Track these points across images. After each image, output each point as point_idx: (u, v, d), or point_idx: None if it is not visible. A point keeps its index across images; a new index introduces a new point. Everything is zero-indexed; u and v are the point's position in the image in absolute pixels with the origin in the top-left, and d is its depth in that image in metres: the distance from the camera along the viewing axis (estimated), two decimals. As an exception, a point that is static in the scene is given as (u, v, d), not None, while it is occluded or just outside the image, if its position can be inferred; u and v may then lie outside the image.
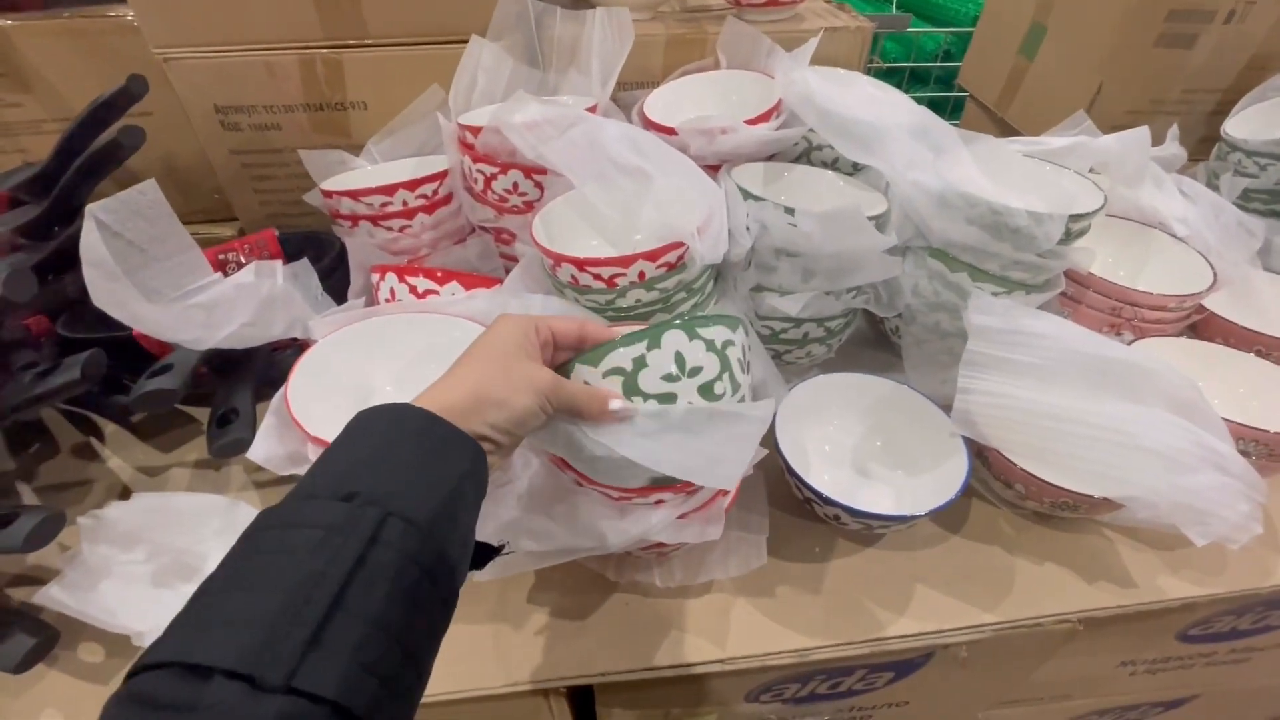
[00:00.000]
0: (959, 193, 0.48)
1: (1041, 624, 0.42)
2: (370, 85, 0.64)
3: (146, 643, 0.37)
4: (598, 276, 0.43)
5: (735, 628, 0.41)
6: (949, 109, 1.26)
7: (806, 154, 0.59)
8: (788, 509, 0.47)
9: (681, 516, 0.36)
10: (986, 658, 0.44)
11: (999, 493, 0.48)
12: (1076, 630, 0.43)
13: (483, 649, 0.40)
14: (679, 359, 0.30)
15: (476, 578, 0.37)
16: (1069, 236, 0.47)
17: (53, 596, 0.37)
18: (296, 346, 0.54)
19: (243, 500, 0.45)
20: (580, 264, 0.43)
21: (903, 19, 1.24)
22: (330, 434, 0.33)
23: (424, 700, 0.37)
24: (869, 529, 0.43)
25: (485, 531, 0.34)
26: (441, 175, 0.59)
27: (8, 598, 0.41)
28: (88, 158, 0.51)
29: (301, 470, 0.36)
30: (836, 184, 0.56)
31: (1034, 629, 0.42)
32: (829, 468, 0.49)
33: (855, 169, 0.57)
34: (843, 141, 0.52)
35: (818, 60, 0.60)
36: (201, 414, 0.55)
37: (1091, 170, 0.58)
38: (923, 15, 1.34)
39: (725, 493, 0.39)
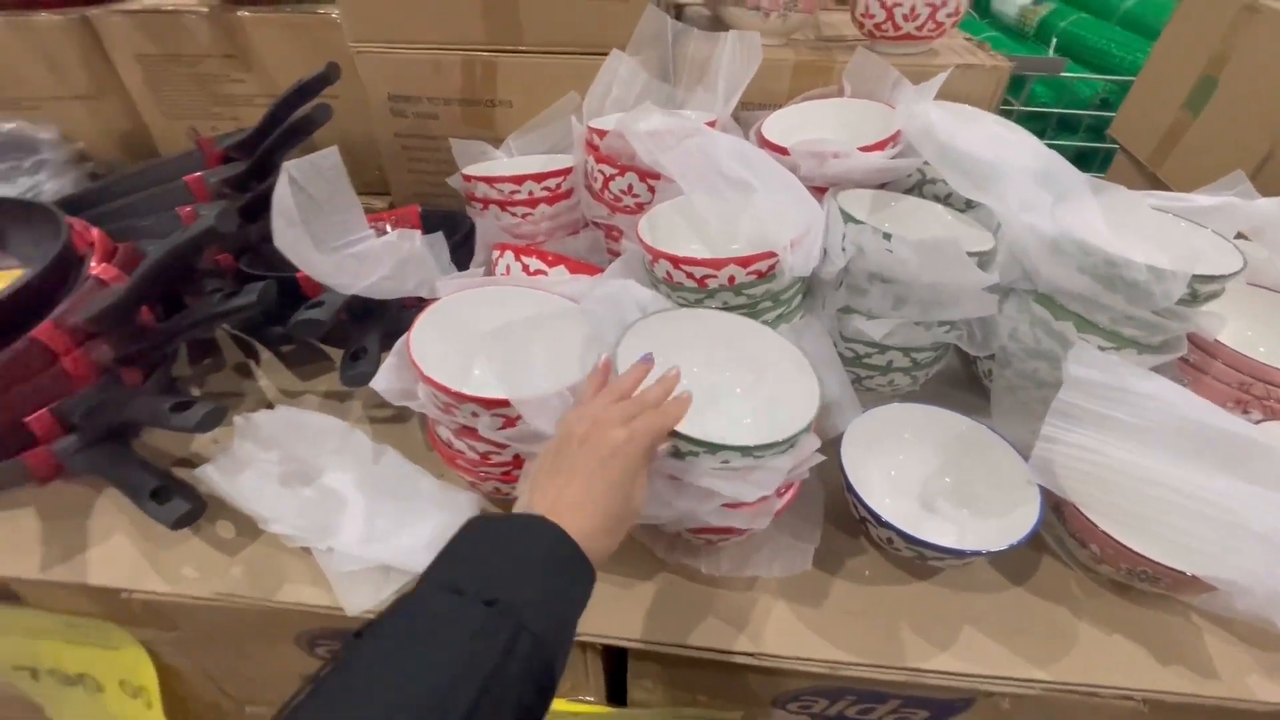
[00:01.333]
0: (1074, 239, 0.46)
1: (1099, 694, 0.40)
2: (518, 86, 0.71)
3: (270, 528, 0.45)
4: (690, 275, 0.46)
5: (772, 627, 0.42)
6: (1098, 161, 1.18)
7: (919, 186, 0.59)
8: (843, 527, 0.48)
9: (734, 506, 0.38)
10: (1032, 717, 0.42)
11: (1072, 551, 0.46)
12: (1140, 711, 0.40)
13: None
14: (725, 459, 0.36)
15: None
16: (1195, 299, 0.45)
17: (208, 474, 0.45)
18: (419, 306, 0.62)
19: (358, 429, 0.52)
20: (676, 261, 0.46)
21: (1057, 62, 1.18)
22: (438, 376, 0.39)
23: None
24: (922, 558, 0.42)
25: None
26: (565, 172, 0.64)
27: (171, 471, 0.51)
28: (287, 127, 0.61)
29: (411, 403, 0.42)
30: (944, 218, 0.56)
31: (1089, 697, 0.40)
32: (891, 494, 0.48)
33: (968, 206, 0.57)
34: (958, 177, 0.52)
35: (947, 97, 0.60)
36: (335, 354, 0.64)
37: (1240, 235, 0.54)
38: (1082, 60, 1.27)
39: (780, 493, 0.40)
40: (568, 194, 0.65)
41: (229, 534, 0.47)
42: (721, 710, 0.47)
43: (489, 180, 0.63)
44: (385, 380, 0.42)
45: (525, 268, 0.54)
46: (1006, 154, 0.53)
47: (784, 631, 0.42)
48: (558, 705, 0.49)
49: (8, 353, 0.45)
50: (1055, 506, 0.45)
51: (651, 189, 0.59)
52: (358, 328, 0.54)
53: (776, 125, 0.63)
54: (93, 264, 0.52)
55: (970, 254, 0.46)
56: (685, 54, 0.67)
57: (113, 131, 0.82)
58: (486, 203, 0.64)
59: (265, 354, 0.65)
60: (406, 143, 0.77)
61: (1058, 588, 0.45)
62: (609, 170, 0.60)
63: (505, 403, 0.39)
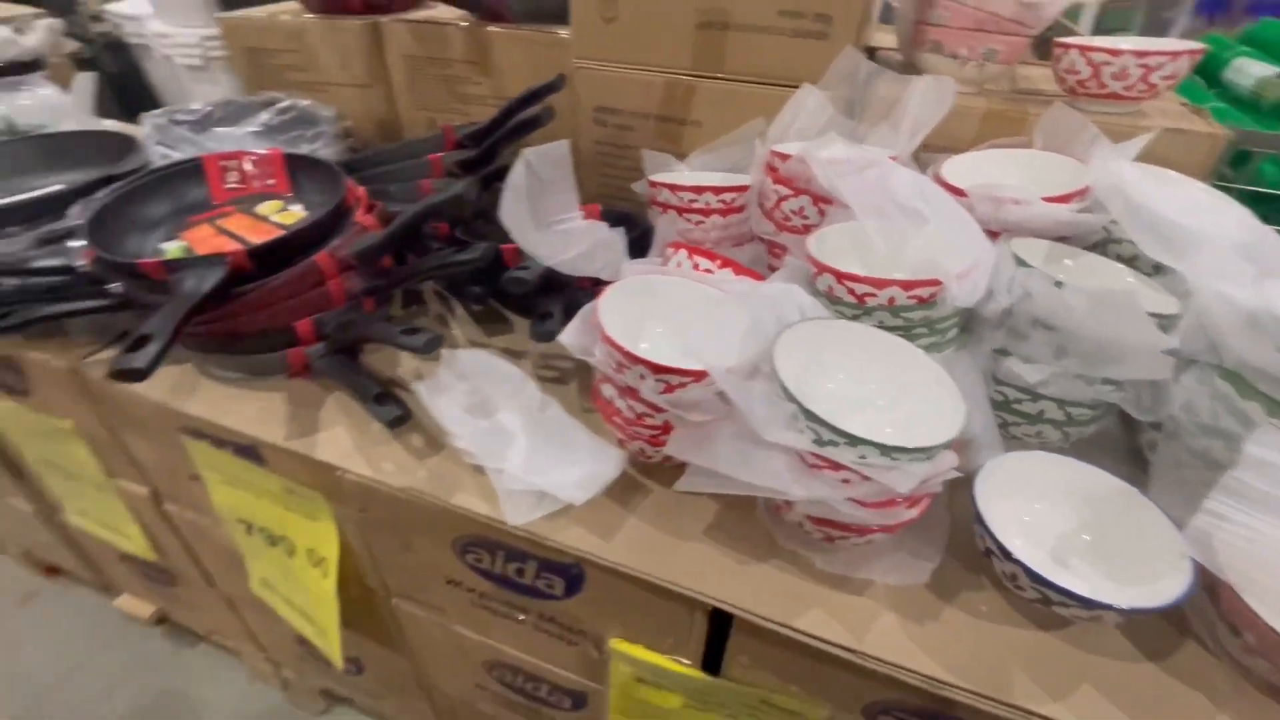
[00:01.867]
0: (1277, 315, 0.44)
1: (1230, 790, 0.37)
2: (710, 109, 0.78)
3: (455, 444, 0.54)
4: (851, 291, 0.49)
5: (876, 632, 0.44)
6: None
7: (1102, 245, 0.58)
8: (964, 562, 0.48)
9: (863, 503, 0.41)
10: (1145, 796, 0.40)
11: (1222, 639, 0.43)
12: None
13: (662, 546, 0.49)
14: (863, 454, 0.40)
15: (676, 486, 0.46)
16: None
17: (420, 389, 0.55)
18: (593, 287, 0.70)
19: (530, 382, 0.60)
20: (840, 276, 0.49)
21: (1293, 141, 1.06)
22: (617, 337, 0.45)
23: (603, 561, 0.48)
24: (1047, 602, 0.42)
25: (712, 456, 0.43)
26: (742, 189, 0.70)
27: (390, 383, 0.62)
28: (514, 125, 0.73)
29: (589, 359, 0.49)
30: (1125, 278, 0.54)
31: (1218, 791, 0.37)
32: (1023, 539, 0.48)
33: (1155, 271, 0.55)
34: (1148, 240, 0.51)
35: (1151, 161, 0.59)
36: (514, 320, 0.74)
37: None
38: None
39: (911, 504, 0.42)
40: (740, 209, 0.71)
41: (420, 444, 0.57)
42: (810, 705, 0.49)
43: (673, 187, 0.70)
44: (571, 336, 0.50)
45: (696, 265, 0.61)
46: (1207, 221, 0.51)
47: (889, 639, 0.44)
48: (654, 659, 0.53)
49: (296, 269, 0.58)
50: (1209, 587, 0.42)
51: (822, 212, 0.63)
52: (544, 296, 0.63)
53: (956, 168, 0.64)
54: (358, 214, 0.66)
55: (1150, 314, 0.45)
56: (874, 93, 0.70)
57: (373, 115, 1.00)
58: (667, 207, 0.72)
59: (459, 309, 0.77)
60: (602, 149, 0.86)
61: (1199, 675, 0.42)
62: (784, 191, 0.65)
63: (669, 369, 0.44)
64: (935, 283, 0.46)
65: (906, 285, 0.47)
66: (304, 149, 0.94)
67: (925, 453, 0.39)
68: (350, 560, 0.66)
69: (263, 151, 0.73)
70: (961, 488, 0.46)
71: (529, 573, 0.54)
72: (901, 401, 0.47)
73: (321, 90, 1.00)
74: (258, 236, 0.66)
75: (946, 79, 0.61)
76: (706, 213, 0.70)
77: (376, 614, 0.73)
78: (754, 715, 0.53)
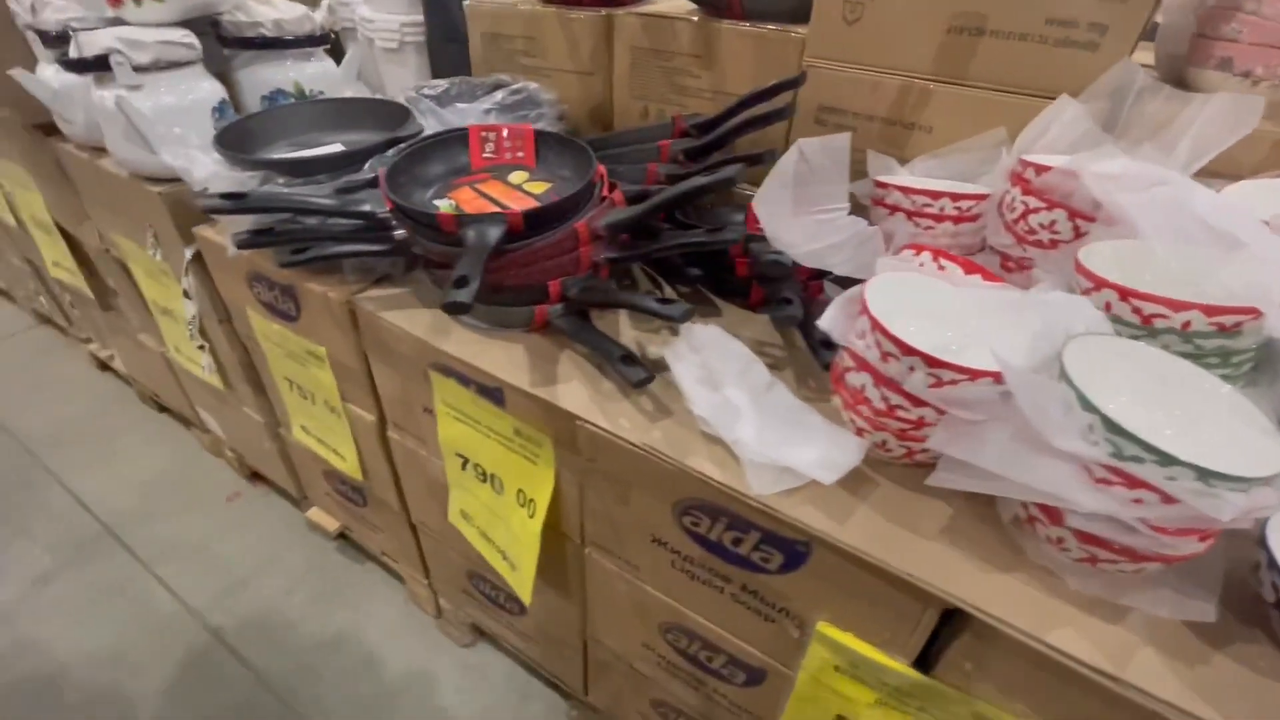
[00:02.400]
0: None
1: None
2: (944, 115, 0.77)
3: (695, 409, 0.57)
4: (1136, 310, 0.47)
5: (1138, 664, 0.42)
6: None
7: None
8: (1237, 613, 0.45)
9: (1153, 525, 0.39)
10: None
11: None
12: None
13: (898, 539, 0.49)
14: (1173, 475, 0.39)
15: (929, 481, 0.47)
16: None
17: (667, 356, 0.59)
18: (810, 278, 0.72)
19: (758, 362, 0.62)
20: (1124, 293, 0.48)
21: None
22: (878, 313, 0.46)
23: (838, 543, 0.48)
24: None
25: (982, 455, 0.43)
26: (980, 197, 0.69)
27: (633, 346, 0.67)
28: (745, 119, 0.75)
29: (847, 344, 0.50)
30: None
31: None
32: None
33: None
34: None
35: None
36: (722, 305, 0.76)
37: None
38: None
39: (1203, 537, 0.40)
40: (974, 218, 0.70)
41: (651, 406, 0.61)
42: (1034, 725, 0.48)
43: (906, 190, 0.70)
44: (830, 321, 0.52)
45: (940, 267, 0.60)
46: None
47: (1154, 674, 0.42)
48: (865, 649, 0.54)
49: (557, 233, 0.64)
50: None
51: (1077, 228, 0.60)
52: (776, 283, 0.65)
53: (1234, 196, 0.60)
54: (604, 190, 0.71)
55: None
56: (1143, 109, 0.66)
57: (589, 101, 1.07)
58: (894, 209, 0.71)
59: (667, 290, 0.81)
60: (815, 148, 0.87)
61: None
62: (1034, 204, 0.63)
63: (948, 365, 0.45)
64: (1251, 311, 0.44)
65: (1210, 310, 0.45)
66: (528, 127, 1.03)
67: (1245, 484, 0.37)
68: (555, 506, 0.72)
69: (519, 127, 0.80)
70: (1235, 535, 0.43)
71: (747, 543, 0.57)
72: (1192, 431, 0.44)
73: (546, 75, 1.09)
74: (510, 201, 0.73)
75: (1255, 98, 0.57)
76: (939, 218, 0.69)
77: (562, 560, 0.79)
78: (954, 725, 0.53)
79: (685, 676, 0.77)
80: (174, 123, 0.89)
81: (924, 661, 0.52)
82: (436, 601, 1.18)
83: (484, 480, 0.78)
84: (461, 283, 0.52)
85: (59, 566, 1.31)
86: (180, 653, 1.17)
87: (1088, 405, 0.40)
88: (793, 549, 0.54)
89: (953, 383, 0.46)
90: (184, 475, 1.50)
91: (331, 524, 1.28)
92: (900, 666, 0.52)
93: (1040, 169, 0.63)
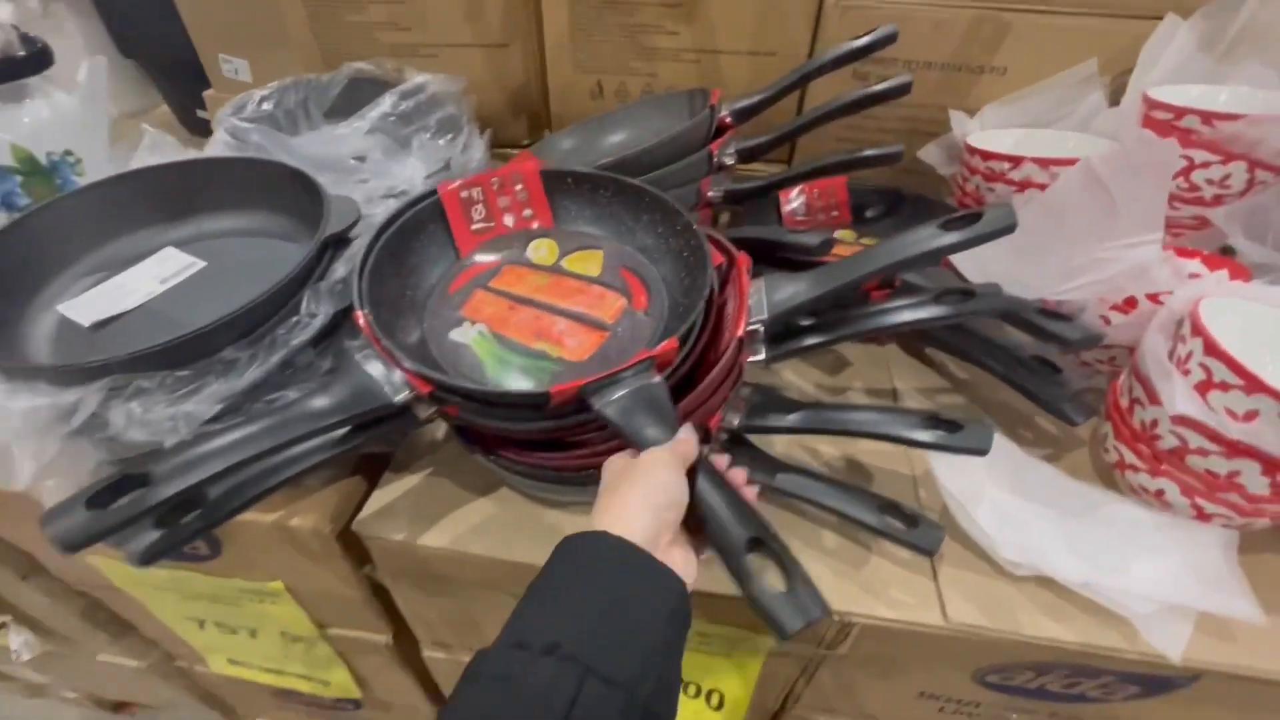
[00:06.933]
0: None
1: None
2: (1022, 51, 0.64)
3: (1002, 554, 0.41)
4: None
5: None
6: None
7: None
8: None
9: None
10: None
11: None
12: None
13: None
14: None
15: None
16: None
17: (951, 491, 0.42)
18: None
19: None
20: None
21: None
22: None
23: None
24: None
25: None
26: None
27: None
28: (854, 100, 0.55)
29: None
30: None
31: None
32: None
33: None
34: None
35: None
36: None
37: None
38: None
39: None
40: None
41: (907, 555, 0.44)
42: None
43: (1041, 162, 0.57)
44: (1185, 403, 0.38)
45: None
46: None
47: None
48: None
49: (724, 353, 0.41)
50: None
51: (1253, 180, 0.53)
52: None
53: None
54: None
55: None
56: (1256, 21, 0.59)
57: (505, 85, 0.76)
58: (997, 180, 0.58)
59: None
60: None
61: None
62: (1203, 157, 0.53)
63: None
64: None
65: None
66: (433, 148, 0.69)
67: None
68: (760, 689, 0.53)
69: (512, 169, 0.51)
70: None
71: (1086, 685, 0.45)
72: None
73: (430, 54, 0.74)
74: (574, 301, 0.46)
75: None
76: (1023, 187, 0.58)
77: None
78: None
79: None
80: None
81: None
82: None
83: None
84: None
85: None
86: None
87: None
88: (1164, 682, 0.43)
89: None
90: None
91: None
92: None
93: (1209, 117, 0.53)
